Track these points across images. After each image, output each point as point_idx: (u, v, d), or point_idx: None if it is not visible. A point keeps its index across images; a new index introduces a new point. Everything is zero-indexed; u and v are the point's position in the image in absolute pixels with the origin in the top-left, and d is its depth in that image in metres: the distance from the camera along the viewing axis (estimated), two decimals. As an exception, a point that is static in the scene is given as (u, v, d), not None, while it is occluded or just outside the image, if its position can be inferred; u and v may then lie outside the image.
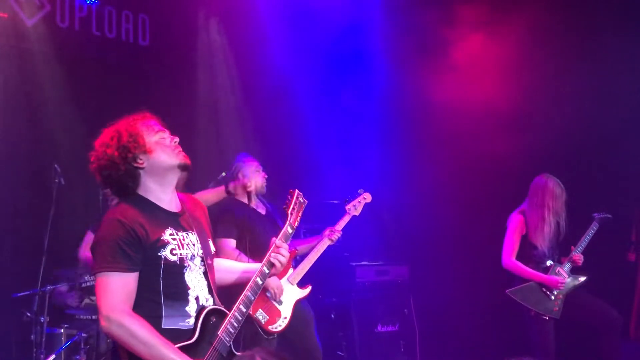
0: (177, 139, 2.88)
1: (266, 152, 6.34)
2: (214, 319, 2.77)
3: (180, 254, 2.75)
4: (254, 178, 4.90)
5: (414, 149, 7.08)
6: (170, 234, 2.75)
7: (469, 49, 6.76)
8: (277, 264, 2.95)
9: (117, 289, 2.60)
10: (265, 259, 2.95)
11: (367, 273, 6.67)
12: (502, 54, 6.57)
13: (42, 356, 4.97)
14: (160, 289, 2.68)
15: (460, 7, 6.75)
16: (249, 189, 4.82)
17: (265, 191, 4.99)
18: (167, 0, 6.85)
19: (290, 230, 3.08)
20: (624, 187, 5.97)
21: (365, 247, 6.76)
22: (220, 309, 2.82)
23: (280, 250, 2.96)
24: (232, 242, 4.72)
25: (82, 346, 5.13)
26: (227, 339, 2.76)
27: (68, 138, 6.05)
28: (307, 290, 4.82)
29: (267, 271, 2.94)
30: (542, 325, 5.11)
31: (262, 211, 4.98)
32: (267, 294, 4.62)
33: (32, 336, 5.01)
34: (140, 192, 2.82)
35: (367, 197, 5.06)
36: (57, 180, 5.22)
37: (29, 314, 5.11)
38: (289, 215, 3.09)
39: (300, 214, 3.13)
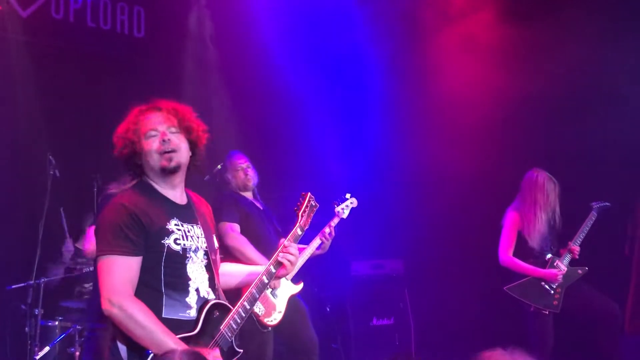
0: (167, 137, 2.75)
1: (258, 145, 6.32)
2: (217, 313, 2.76)
3: (184, 245, 2.74)
4: (236, 178, 5.04)
5: (408, 142, 7.05)
6: (176, 224, 2.75)
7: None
8: (287, 263, 2.92)
9: (120, 272, 2.59)
10: (272, 258, 2.94)
11: (362, 267, 6.69)
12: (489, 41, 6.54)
13: (36, 349, 4.95)
14: (161, 277, 2.67)
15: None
16: (236, 189, 5.01)
17: (253, 185, 5.09)
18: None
19: (299, 232, 3.07)
20: (626, 177, 5.89)
21: (360, 241, 6.75)
22: (224, 304, 2.81)
23: (289, 249, 2.95)
24: (237, 227, 4.78)
25: (77, 338, 5.13)
26: (229, 334, 2.75)
27: (63, 129, 6.02)
28: (300, 286, 4.87)
29: (274, 270, 2.92)
30: (542, 320, 5.08)
31: (260, 207, 5.09)
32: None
33: (26, 328, 5.00)
34: (148, 181, 2.83)
35: (354, 202, 5.11)
36: (51, 172, 5.19)
37: (23, 306, 5.08)
38: (300, 217, 3.09)
39: (310, 217, 3.13)
